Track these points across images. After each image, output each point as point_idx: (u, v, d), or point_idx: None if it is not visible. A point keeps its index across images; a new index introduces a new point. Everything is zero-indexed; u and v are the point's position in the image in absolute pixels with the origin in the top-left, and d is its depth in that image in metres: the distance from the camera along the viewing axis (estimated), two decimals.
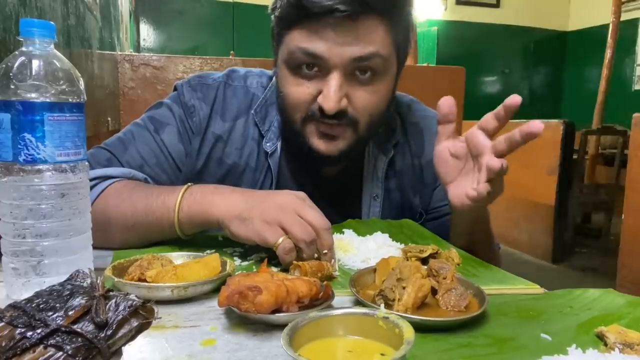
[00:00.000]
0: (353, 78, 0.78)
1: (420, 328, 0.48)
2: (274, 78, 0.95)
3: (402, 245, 0.77)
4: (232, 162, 0.91)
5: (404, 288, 0.53)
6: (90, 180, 0.80)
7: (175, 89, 0.95)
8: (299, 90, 0.80)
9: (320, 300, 0.53)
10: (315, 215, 0.67)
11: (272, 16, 0.83)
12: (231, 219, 0.69)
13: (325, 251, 0.67)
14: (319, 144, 0.82)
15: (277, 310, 0.50)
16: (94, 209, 0.77)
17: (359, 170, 0.95)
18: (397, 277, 0.54)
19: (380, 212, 0.96)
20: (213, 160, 0.91)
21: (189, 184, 0.76)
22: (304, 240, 0.65)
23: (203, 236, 0.84)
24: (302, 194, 0.71)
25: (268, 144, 0.91)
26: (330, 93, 0.76)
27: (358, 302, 0.55)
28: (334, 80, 0.76)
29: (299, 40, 0.77)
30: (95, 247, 0.75)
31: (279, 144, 0.91)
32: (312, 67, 0.78)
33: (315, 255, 0.68)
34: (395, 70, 0.84)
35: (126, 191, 0.79)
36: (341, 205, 0.94)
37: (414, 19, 0.83)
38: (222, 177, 0.91)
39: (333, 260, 0.68)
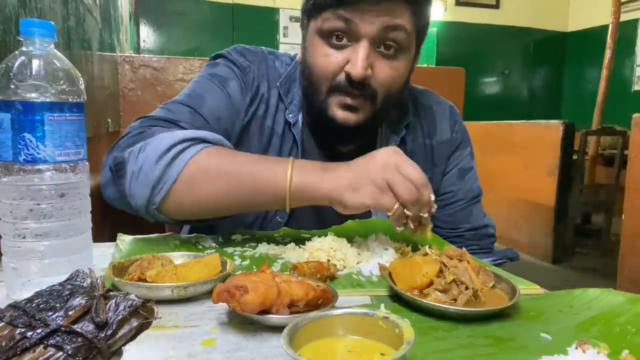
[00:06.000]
0: (378, 52, 0.83)
1: (458, 318, 0.53)
2: (296, 57, 0.99)
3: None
4: (267, 125, 0.95)
5: (461, 282, 0.56)
6: (182, 142, 0.75)
7: (219, 56, 0.98)
8: (327, 59, 0.84)
9: (319, 306, 0.52)
10: (414, 172, 0.71)
11: None
12: (342, 192, 0.71)
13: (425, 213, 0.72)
14: (339, 114, 0.85)
15: (266, 311, 0.50)
16: (189, 167, 0.73)
17: (371, 150, 0.96)
18: (451, 278, 0.57)
19: None
20: (256, 119, 0.95)
21: (292, 158, 0.76)
22: (410, 201, 0.70)
23: (203, 236, 0.84)
24: (395, 148, 0.75)
25: (290, 115, 0.95)
26: (359, 60, 0.80)
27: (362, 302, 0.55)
28: (362, 48, 0.81)
29: (334, 11, 0.81)
30: (167, 215, 0.76)
31: (300, 116, 0.95)
32: (341, 37, 0.82)
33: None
34: (414, 52, 0.89)
35: (226, 155, 0.77)
36: None
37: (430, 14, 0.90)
38: (258, 137, 0.94)
39: (428, 216, 0.72)
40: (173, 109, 0.87)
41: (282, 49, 5.61)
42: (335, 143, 0.96)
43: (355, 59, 0.80)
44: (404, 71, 0.88)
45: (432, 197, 0.72)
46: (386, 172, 0.70)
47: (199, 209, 0.76)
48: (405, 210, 0.70)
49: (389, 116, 0.95)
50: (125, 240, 0.80)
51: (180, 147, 0.74)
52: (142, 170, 0.73)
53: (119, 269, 0.61)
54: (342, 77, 0.83)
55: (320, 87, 0.86)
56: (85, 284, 0.43)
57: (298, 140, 0.94)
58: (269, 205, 0.79)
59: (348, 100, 0.84)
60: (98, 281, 0.43)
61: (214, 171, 0.74)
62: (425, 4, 0.87)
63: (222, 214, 0.79)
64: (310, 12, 0.87)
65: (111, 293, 0.42)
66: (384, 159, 0.72)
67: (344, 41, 0.83)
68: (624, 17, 4.59)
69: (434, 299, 0.56)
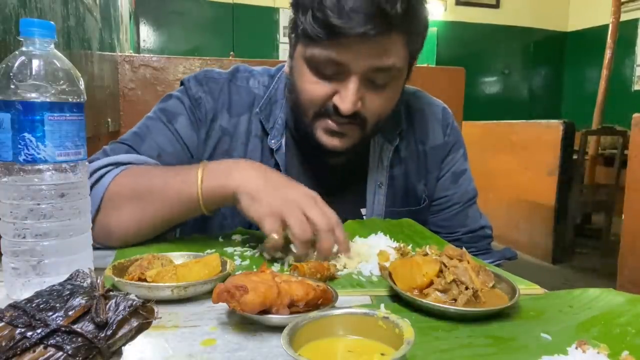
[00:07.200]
0: (368, 83, 0.81)
1: (458, 318, 0.53)
2: (276, 77, 0.97)
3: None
4: (237, 157, 0.93)
5: (461, 282, 0.56)
6: (104, 167, 0.79)
7: (182, 83, 0.97)
8: (315, 87, 0.82)
9: (319, 306, 0.52)
10: (319, 216, 0.69)
11: (294, 15, 0.83)
12: (243, 193, 0.71)
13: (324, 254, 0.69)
14: (326, 139, 0.84)
15: (266, 311, 0.50)
16: (108, 193, 0.76)
17: (364, 159, 0.97)
18: (451, 278, 0.57)
19: (385, 199, 0.97)
20: (219, 154, 0.93)
21: (205, 161, 0.77)
22: (299, 239, 0.68)
23: (203, 236, 0.84)
24: (313, 192, 0.73)
25: (272, 141, 0.93)
26: (349, 95, 0.79)
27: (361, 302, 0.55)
28: (353, 83, 0.79)
29: (323, 48, 0.78)
30: (101, 243, 0.74)
31: (283, 141, 0.94)
32: (331, 69, 0.80)
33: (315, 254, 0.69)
34: (405, 75, 0.87)
35: (140, 173, 0.79)
36: (347, 194, 0.97)
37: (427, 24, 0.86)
38: None
39: (331, 262, 0.69)
40: (111, 150, 0.87)
41: (282, 49, 5.62)
42: (325, 157, 0.93)
43: (345, 94, 0.79)
44: (396, 95, 0.86)
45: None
46: (286, 206, 0.68)
47: (127, 231, 0.76)
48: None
49: (379, 132, 0.93)
50: None
51: (97, 174, 0.77)
52: None
53: (119, 269, 0.61)
54: (330, 104, 0.81)
55: (307, 112, 0.84)
56: (85, 284, 0.43)
57: (282, 165, 0.92)
58: (185, 212, 0.77)
59: (334, 127, 0.83)
60: (98, 281, 0.43)
61: (129, 192, 0.76)
62: (421, 26, 0.83)
63: (156, 230, 0.78)
64: (298, 36, 0.83)
65: (111, 293, 0.42)
66: (292, 196, 0.70)
67: (334, 72, 0.80)
68: (624, 17, 4.59)
69: (434, 299, 0.56)
